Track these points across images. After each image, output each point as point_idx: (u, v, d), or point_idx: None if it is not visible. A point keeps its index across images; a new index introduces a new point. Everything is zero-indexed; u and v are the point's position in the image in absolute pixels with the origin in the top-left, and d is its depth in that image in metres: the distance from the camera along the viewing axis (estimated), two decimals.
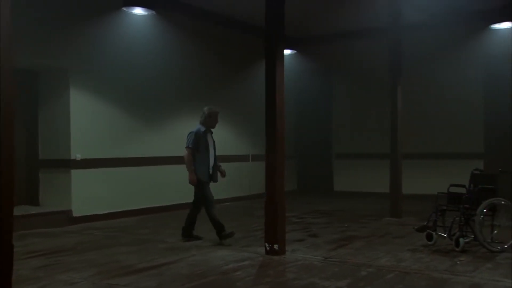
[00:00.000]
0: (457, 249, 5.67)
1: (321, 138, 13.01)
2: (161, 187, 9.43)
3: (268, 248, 5.64)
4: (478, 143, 10.76)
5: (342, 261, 5.33)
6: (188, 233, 6.57)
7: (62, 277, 4.79)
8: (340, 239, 6.64)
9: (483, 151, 10.68)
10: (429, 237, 6.04)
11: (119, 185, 8.73)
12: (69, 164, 8.05)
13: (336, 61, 12.51)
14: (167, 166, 9.57)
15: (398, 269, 4.99)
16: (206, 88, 10.50)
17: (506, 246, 5.76)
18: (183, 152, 6.50)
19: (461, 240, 5.68)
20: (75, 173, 8.09)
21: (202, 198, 6.41)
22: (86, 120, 8.28)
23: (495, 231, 5.89)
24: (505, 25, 10.06)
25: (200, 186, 6.39)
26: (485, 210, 5.69)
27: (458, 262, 5.25)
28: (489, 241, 5.78)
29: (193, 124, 10.07)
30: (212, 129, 6.59)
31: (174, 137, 9.77)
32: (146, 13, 8.87)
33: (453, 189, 6.12)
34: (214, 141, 6.57)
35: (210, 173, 6.46)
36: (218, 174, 6.57)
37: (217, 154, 6.64)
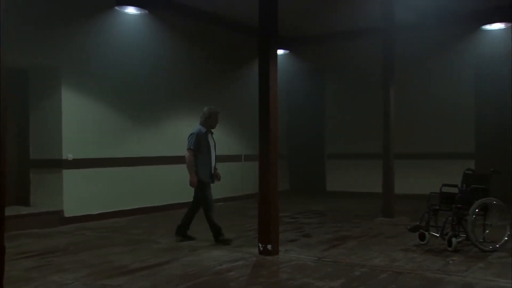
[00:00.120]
0: (449, 248, 5.70)
1: (313, 138, 13.02)
2: (154, 187, 9.40)
3: (261, 248, 5.64)
4: (469, 143, 10.83)
5: (336, 261, 5.34)
6: (182, 232, 6.54)
7: (54, 278, 4.76)
8: (333, 239, 6.65)
9: (474, 151, 10.74)
10: (422, 237, 6.07)
11: (111, 185, 8.68)
12: (60, 164, 7.99)
13: (328, 61, 12.53)
14: (159, 166, 9.54)
15: (391, 269, 5.01)
16: (198, 88, 10.48)
17: (497, 246, 5.80)
18: (184, 153, 6.40)
19: (453, 239, 5.71)
20: (67, 173, 8.03)
21: (202, 199, 6.37)
22: (78, 119, 8.22)
23: (487, 231, 5.93)
24: (496, 26, 10.16)
25: (202, 187, 6.33)
26: (477, 210, 5.72)
27: (450, 262, 5.28)
28: (481, 240, 5.82)
29: (186, 124, 10.13)
30: (212, 130, 6.54)
31: (167, 137, 9.75)
32: (139, 12, 8.84)
33: (446, 189, 6.15)
34: (214, 142, 6.53)
35: (212, 174, 6.43)
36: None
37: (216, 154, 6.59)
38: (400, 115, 9.37)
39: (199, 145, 6.32)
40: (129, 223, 8.18)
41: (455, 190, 6.07)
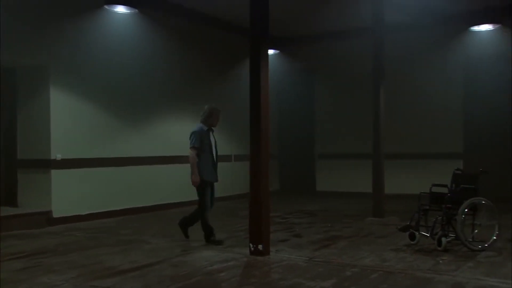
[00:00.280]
0: (439, 248, 5.74)
1: (303, 138, 13.04)
2: (144, 187, 9.34)
3: (252, 249, 5.63)
4: (457, 143, 10.92)
5: (327, 261, 5.35)
6: (183, 225, 6.51)
7: (43, 279, 4.70)
8: (324, 239, 6.66)
9: (462, 151, 10.83)
10: (412, 237, 6.10)
11: (101, 186, 8.62)
12: (49, 164, 7.91)
13: (318, 61, 12.55)
14: (149, 166, 9.49)
15: (382, 268, 5.03)
16: (189, 88, 10.44)
17: (486, 245, 5.85)
18: (188, 152, 6.32)
19: (443, 239, 5.74)
20: (55, 173, 7.95)
21: (200, 199, 6.32)
22: (67, 119, 8.15)
23: (476, 230, 5.98)
24: (484, 27, 10.27)
25: (203, 186, 6.26)
26: (466, 210, 5.77)
27: (440, 261, 5.31)
28: (470, 240, 5.87)
29: (176, 124, 10.12)
30: (213, 128, 6.48)
31: (156, 137, 9.71)
32: (129, 11, 8.79)
33: (436, 189, 6.19)
34: (215, 140, 6.47)
35: (215, 172, 6.37)
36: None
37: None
38: (390, 115, 9.41)
39: (202, 143, 6.26)
40: (119, 223, 8.12)
41: (444, 190, 6.11)
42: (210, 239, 6.27)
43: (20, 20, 7.52)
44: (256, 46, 5.72)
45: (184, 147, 9.99)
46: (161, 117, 9.84)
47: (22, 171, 8.16)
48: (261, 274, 4.93)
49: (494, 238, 5.92)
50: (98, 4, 8.49)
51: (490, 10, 9.76)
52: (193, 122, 10.35)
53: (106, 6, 8.53)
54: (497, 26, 10.16)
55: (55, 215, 7.89)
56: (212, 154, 6.36)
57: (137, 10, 8.84)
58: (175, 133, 10.04)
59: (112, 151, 8.84)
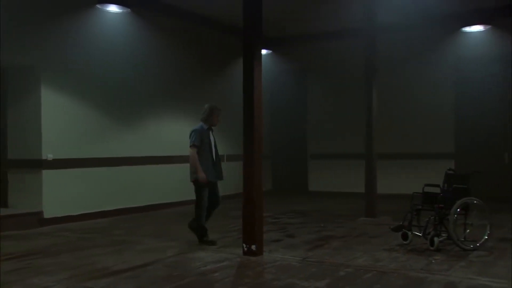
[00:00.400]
0: (431, 248, 5.77)
1: (295, 138, 13.05)
2: (136, 187, 9.30)
3: (245, 249, 5.62)
4: (449, 143, 10.98)
5: (320, 261, 5.35)
6: (194, 228, 6.44)
7: (34, 281, 4.66)
8: (317, 239, 6.67)
9: (454, 151, 10.90)
10: (405, 237, 6.12)
11: (92, 186, 8.56)
12: (40, 164, 7.84)
13: (311, 61, 12.57)
14: (141, 166, 9.45)
15: (375, 268, 5.04)
16: (182, 88, 10.41)
17: (478, 245, 5.89)
18: (188, 151, 6.28)
19: (435, 239, 5.77)
20: (47, 174, 7.88)
21: (197, 198, 6.29)
22: (58, 119, 8.08)
23: (468, 230, 6.01)
24: (475, 28, 10.34)
25: (202, 185, 6.23)
26: (458, 210, 5.80)
27: (433, 261, 5.33)
28: (462, 239, 5.90)
29: (169, 124, 10.08)
30: (213, 127, 6.45)
31: (148, 137, 9.66)
32: (121, 10, 8.73)
33: (428, 189, 6.21)
34: (215, 139, 6.45)
35: (215, 171, 6.34)
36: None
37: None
38: (382, 115, 9.44)
39: (202, 142, 6.23)
40: (111, 224, 8.07)
41: (437, 190, 6.14)
42: (203, 239, 6.25)
43: (10, 19, 7.43)
44: (249, 46, 5.71)
45: (177, 147, 10.06)
46: (153, 117, 9.80)
47: (13, 171, 8.08)
48: (255, 275, 4.92)
49: (486, 237, 5.96)
50: (90, 3, 8.43)
51: (481, 11, 9.83)
52: (186, 122, 10.40)
53: (98, 5, 8.47)
54: (488, 27, 10.24)
55: (47, 215, 7.82)
56: (212, 154, 6.33)
57: (129, 10, 8.79)
58: (168, 133, 10.01)
59: (105, 151, 8.79)
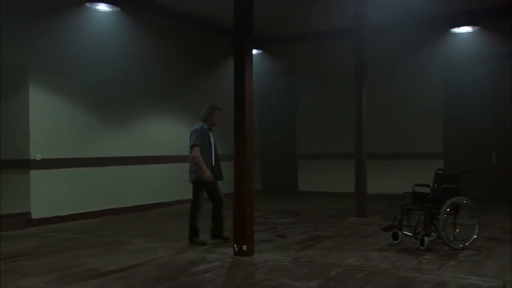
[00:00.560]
0: (422, 247, 5.79)
1: (285, 138, 13.05)
2: (125, 187, 9.23)
3: (236, 249, 5.59)
4: (438, 143, 11.06)
5: (311, 261, 5.35)
6: (216, 234, 6.44)
7: (22, 282, 4.59)
8: (307, 239, 6.67)
9: (443, 151, 10.97)
10: (395, 236, 6.14)
11: (81, 186, 8.48)
12: (28, 165, 7.75)
13: (301, 61, 12.59)
14: (130, 166, 9.38)
15: (366, 268, 5.05)
16: (171, 88, 10.36)
17: (467, 244, 5.92)
18: (189, 151, 6.25)
19: (425, 239, 5.80)
20: (35, 174, 7.80)
21: (194, 198, 6.26)
22: (47, 119, 8.00)
23: (457, 230, 6.05)
24: (464, 29, 10.43)
25: (200, 185, 6.20)
26: (448, 209, 5.83)
27: (423, 261, 5.36)
28: (452, 239, 5.94)
29: (157, 124, 10.02)
30: (213, 127, 6.42)
31: (137, 137, 9.60)
32: (111, 9, 8.68)
33: (418, 189, 6.24)
34: (215, 140, 6.42)
35: (214, 171, 6.30)
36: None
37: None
38: (372, 116, 9.48)
39: (202, 141, 6.20)
40: (100, 224, 8.00)
41: (427, 190, 6.17)
42: (193, 239, 6.22)
43: None
44: (240, 46, 5.69)
45: (166, 147, 10.01)
46: (142, 117, 9.74)
47: (1, 171, 7.97)
48: (246, 275, 4.91)
49: (475, 237, 6.01)
50: (79, 1, 8.35)
51: (470, 13, 9.92)
52: (175, 122, 10.37)
53: (87, 4, 8.41)
54: (476, 28, 10.34)
55: (34, 216, 7.73)
56: (211, 153, 6.31)
57: (119, 8, 8.73)
58: (157, 133, 9.95)
59: (93, 151, 8.72)
